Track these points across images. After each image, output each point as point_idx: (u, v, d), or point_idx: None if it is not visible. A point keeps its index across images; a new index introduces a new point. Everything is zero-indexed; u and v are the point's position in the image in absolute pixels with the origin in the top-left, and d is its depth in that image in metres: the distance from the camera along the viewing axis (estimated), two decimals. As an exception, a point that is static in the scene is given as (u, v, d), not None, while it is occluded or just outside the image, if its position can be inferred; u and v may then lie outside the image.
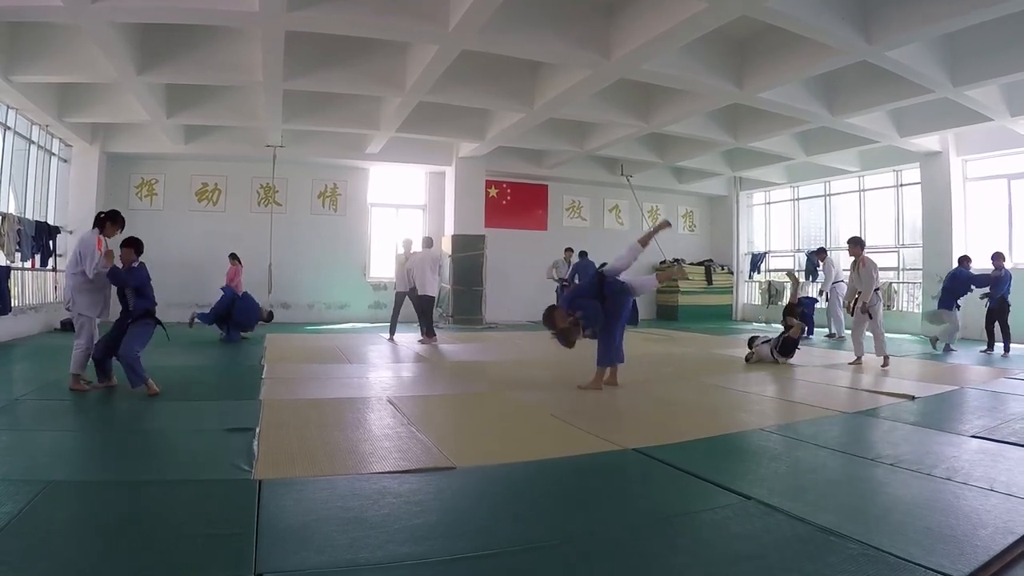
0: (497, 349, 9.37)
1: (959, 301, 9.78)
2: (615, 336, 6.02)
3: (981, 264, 10.18)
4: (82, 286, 5.43)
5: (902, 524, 2.68)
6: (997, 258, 9.75)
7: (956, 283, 9.81)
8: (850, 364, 7.80)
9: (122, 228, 5.78)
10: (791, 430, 4.45)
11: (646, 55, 7.70)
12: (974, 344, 10.05)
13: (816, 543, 2.48)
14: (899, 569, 2.25)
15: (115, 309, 5.61)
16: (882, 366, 7.52)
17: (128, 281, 5.42)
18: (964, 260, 10.08)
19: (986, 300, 9.76)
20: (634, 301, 6.58)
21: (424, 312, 10.13)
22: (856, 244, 8.12)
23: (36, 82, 8.97)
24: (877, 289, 7.95)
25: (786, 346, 7.85)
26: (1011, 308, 9.60)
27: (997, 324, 9.62)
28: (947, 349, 9.50)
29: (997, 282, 9.58)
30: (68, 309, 5.71)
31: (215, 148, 12.84)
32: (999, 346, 9.51)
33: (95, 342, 5.47)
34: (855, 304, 8.04)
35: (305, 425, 4.36)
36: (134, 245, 5.54)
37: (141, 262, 5.62)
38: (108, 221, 5.64)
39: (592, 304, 5.78)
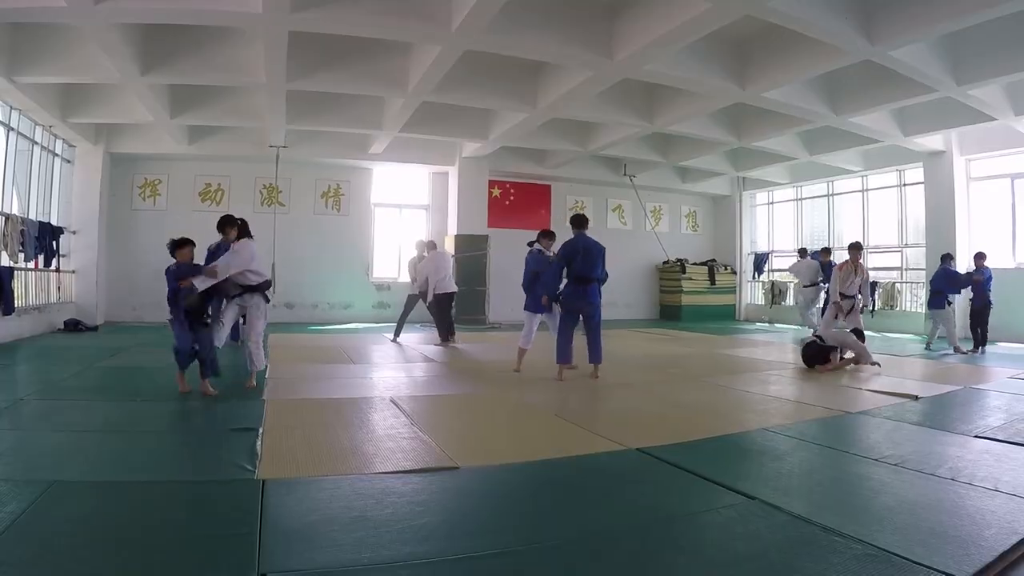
0: (500, 349, 9.35)
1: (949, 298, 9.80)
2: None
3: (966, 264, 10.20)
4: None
5: (906, 524, 2.68)
6: (979, 258, 9.73)
7: (944, 283, 9.75)
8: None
9: (232, 227, 5.87)
10: (795, 430, 4.44)
11: (649, 56, 7.69)
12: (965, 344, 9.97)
13: (820, 543, 2.48)
14: (903, 569, 2.25)
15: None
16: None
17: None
18: (947, 258, 10.03)
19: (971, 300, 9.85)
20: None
21: (445, 312, 9.85)
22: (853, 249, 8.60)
23: (39, 83, 8.97)
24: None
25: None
26: (992, 307, 9.64)
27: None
28: (956, 350, 9.48)
29: (979, 284, 9.58)
30: None
31: (218, 148, 12.84)
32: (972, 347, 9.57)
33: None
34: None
35: (309, 425, 4.37)
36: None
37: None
38: (227, 225, 5.84)
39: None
